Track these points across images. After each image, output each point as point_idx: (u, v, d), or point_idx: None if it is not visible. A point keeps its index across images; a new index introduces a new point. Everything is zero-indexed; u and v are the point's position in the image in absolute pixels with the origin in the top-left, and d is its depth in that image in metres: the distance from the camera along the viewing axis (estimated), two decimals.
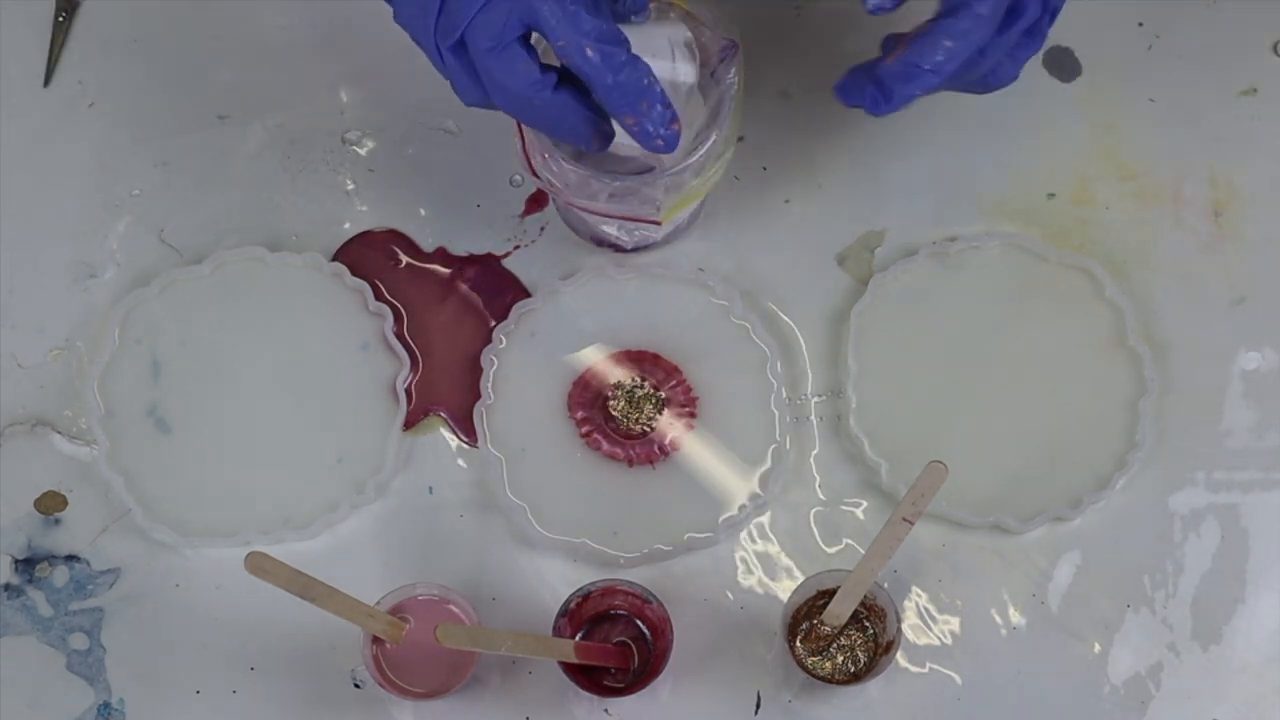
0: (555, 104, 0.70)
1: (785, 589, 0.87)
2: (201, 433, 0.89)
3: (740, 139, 0.83)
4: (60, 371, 0.91)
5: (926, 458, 0.75)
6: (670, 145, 0.71)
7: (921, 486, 0.75)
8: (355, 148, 0.94)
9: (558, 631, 0.81)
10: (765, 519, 0.88)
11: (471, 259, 0.92)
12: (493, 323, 0.90)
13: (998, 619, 0.87)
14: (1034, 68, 0.96)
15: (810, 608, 0.84)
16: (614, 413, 0.88)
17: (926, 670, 0.86)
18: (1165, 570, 0.88)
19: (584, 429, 0.89)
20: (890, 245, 0.93)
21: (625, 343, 0.90)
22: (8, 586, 0.87)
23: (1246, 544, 0.88)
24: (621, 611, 0.85)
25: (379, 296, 0.90)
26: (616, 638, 0.84)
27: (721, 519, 0.87)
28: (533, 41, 0.70)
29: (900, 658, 0.86)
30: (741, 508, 0.87)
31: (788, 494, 0.89)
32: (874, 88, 0.73)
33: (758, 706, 0.86)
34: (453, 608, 0.84)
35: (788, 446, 0.88)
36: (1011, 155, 0.94)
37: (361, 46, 0.95)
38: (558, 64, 0.70)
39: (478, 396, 0.89)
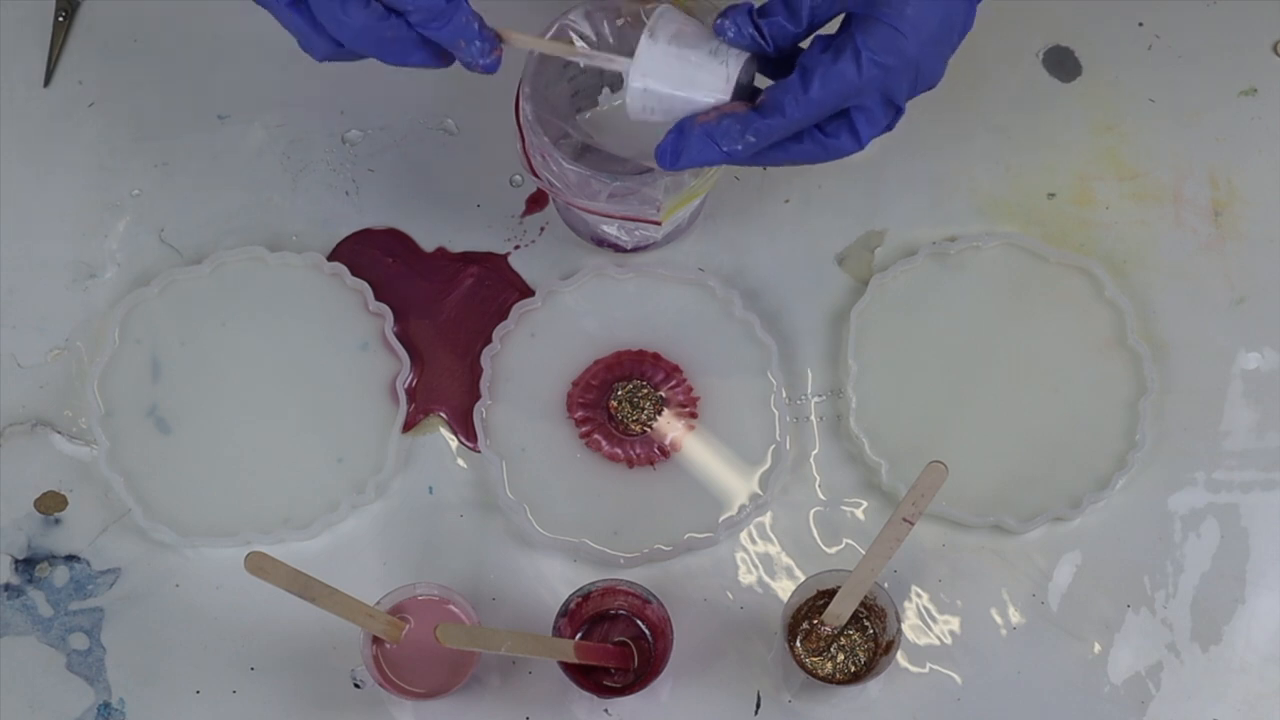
0: (396, 34, 0.71)
1: (785, 589, 0.87)
2: (201, 433, 0.89)
3: None
4: (60, 371, 0.91)
5: (926, 458, 0.75)
6: (490, 69, 0.72)
7: (921, 486, 0.75)
8: (355, 148, 0.95)
9: (558, 631, 0.81)
10: (765, 519, 0.88)
11: (471, 259, 0.92)
12: (493, 323, 0.90)
13: (998, 619, 0.87)
14: (1034, 67, 0.96)
15: (810, 608, 0.84)
16: (614, 413, 0.88)
17: (926, 670, 0.86)
18: (1165, 570, 0.88)
19: (584, 429, 0.88)
20: (890, 245, 0.93)
21: (625, 343, 0.90)
22: (8, 586, 0.87)
23: (1246, 544, 0.88)
24: (621, 611, 0.85)
25: (379, 296, 0.90)
26: (616, 638, 0.84)
27: (721, 519, 0.87)
28: None
29: (900, 658, 0.86)
30: (741, 508, 0.87)
31: (788, 494, 0.89)
32: (675, 137, 0.71)
33: (758, 706, 0.86)
34: (453, 608, 0.84)
35: (788, 446, 0.88)
36: (1011, 155, 0.94)
37: None
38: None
39: (478, 396, 0.89)
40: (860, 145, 0.72)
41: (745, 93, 0.72)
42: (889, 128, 0.72)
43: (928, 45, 0.69)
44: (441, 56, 0.73)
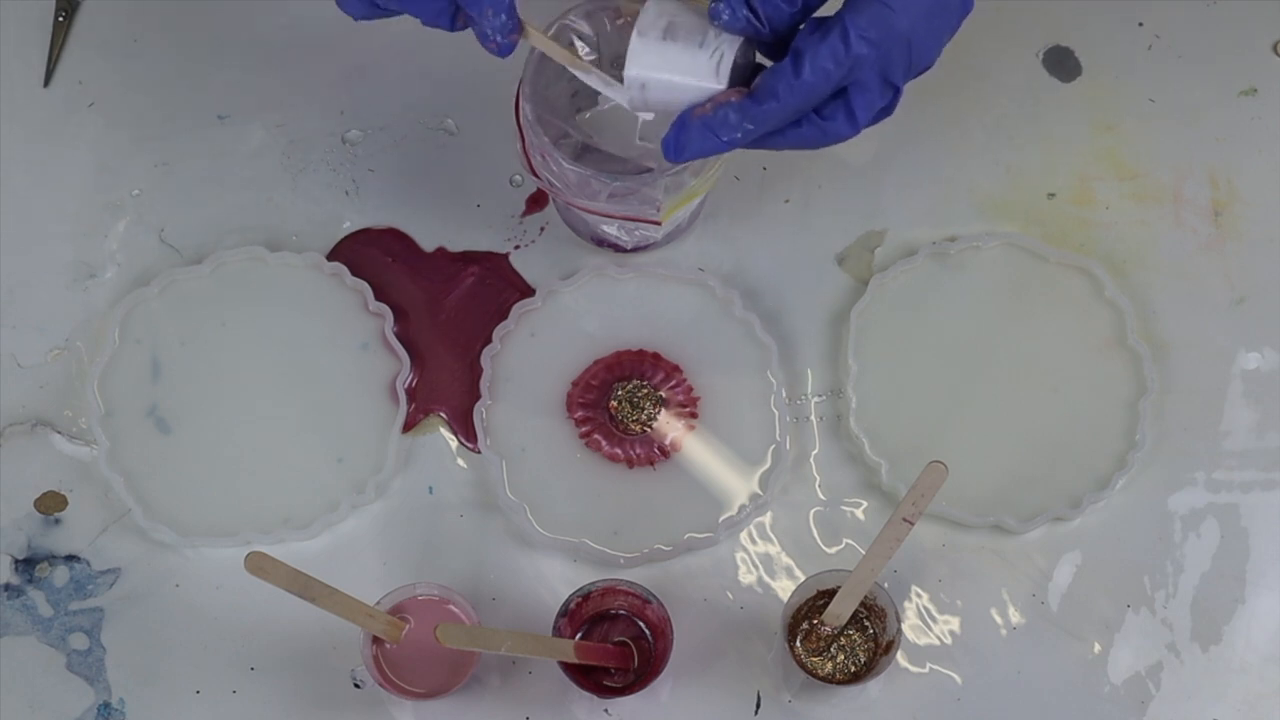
0: None
1: (785, 589, 0.87)
2: (201, 433, 0.89)
3: None
4: (60, 371, 0.91)
5: (926, 458, 0.75)
6: (503, 51, 0.72)
7: (921, 486, 0.75)
8: (355, 148, 0.95)
9: (558, 631, 0.81)
10: (765, 519, 0.88)
11: (472, 258, 0.92)
12: (493, 323, 0.90)
13: (998, 619, 0.87)
14: (1034, 67, 0.96)
15: (810, 608, 0.84)
16: (614, 413, 0.88)
17: (926, 670, 0.86)
18: (1165, 570, 0.88)
19: (584, 429, 0.88)
20: (890, 245, 0.93)
21: (625, 343, 0.90)
22: (8, 586, 0.87)
23: (1246, 544, 0.88)
24: (621, 611, 0.85)
25: (379, 296, 0.90)
26: (616, 638, 0.84)
27: (721, 519, 0.87)
28: None
29: (900, 658, 0.86)
30: (741, 508, 0.87)
31: (788, 494, 0.89)
32: (677, 131, 0.70)
33: (758, 706, 0.86)
34: (453, 608, 0.84)
35: (788, 446, 0.88)
36: (1011, 155, 0.94)
37: (361, 46, 0.95)
38: None
39: (478, 396, 0.89)
40: (856, 128, 0.70)
41: (745, 74, 0.71)
42: (887, 110, 0.71)
43: (919, 21, 0.67)
44: (456, 18, 0.72)
